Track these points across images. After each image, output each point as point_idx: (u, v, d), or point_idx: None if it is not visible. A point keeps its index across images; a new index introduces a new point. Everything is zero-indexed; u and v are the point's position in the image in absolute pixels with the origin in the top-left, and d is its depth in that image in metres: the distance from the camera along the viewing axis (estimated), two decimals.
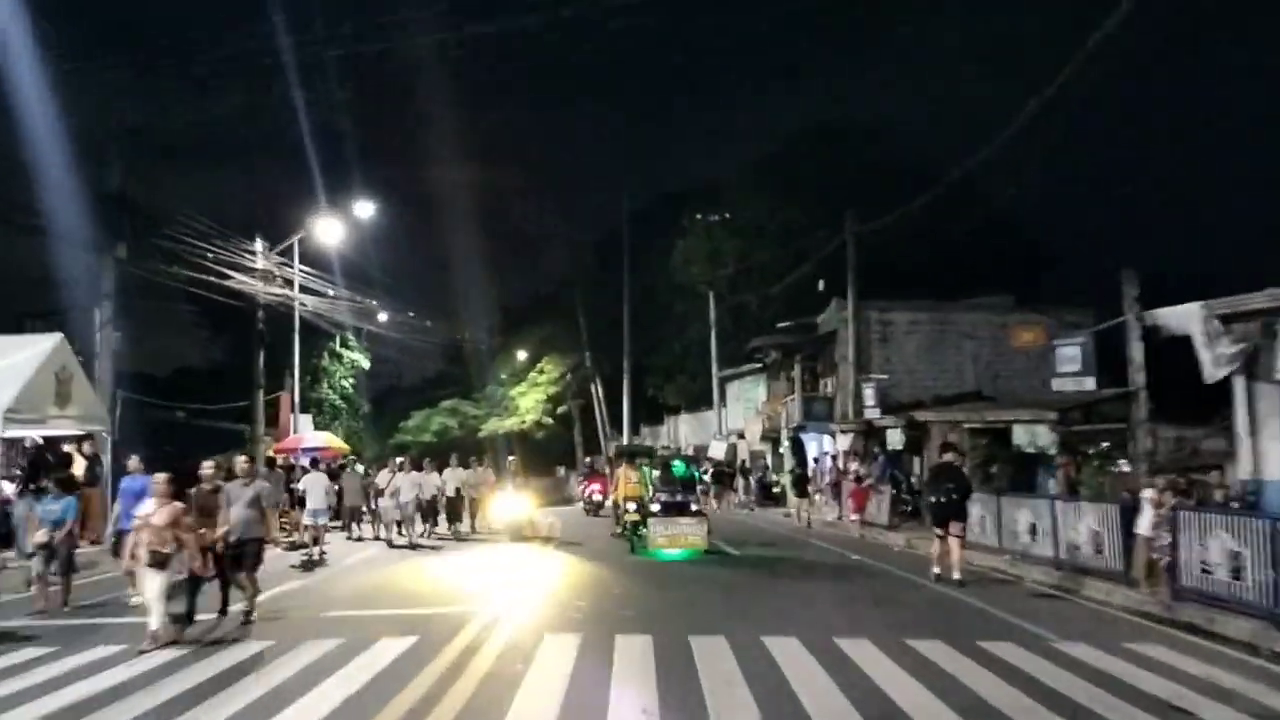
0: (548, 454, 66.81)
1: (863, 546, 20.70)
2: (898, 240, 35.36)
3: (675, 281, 47.92)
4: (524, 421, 61.28)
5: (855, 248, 30.10)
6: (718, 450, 41.65)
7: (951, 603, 12.80)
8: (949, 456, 16.22)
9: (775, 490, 37.02)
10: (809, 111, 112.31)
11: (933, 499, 15.59)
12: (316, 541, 19.00)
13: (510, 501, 24.14)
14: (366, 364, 60.13)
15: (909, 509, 24.13)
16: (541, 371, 60.82)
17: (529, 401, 61.12)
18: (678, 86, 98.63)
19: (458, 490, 24.46)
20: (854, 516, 25.71)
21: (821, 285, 31.79)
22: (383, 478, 22.50)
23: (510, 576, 15.89)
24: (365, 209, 37.22)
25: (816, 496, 29.59)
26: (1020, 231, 41.72)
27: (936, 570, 14.93)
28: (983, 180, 31.10)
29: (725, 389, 43.99)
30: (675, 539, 18.05)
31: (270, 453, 30.01)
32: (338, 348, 57.80)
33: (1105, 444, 17.68)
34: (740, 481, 37.29)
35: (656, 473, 21.18)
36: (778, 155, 46.63)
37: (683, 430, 53.60)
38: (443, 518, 23.86)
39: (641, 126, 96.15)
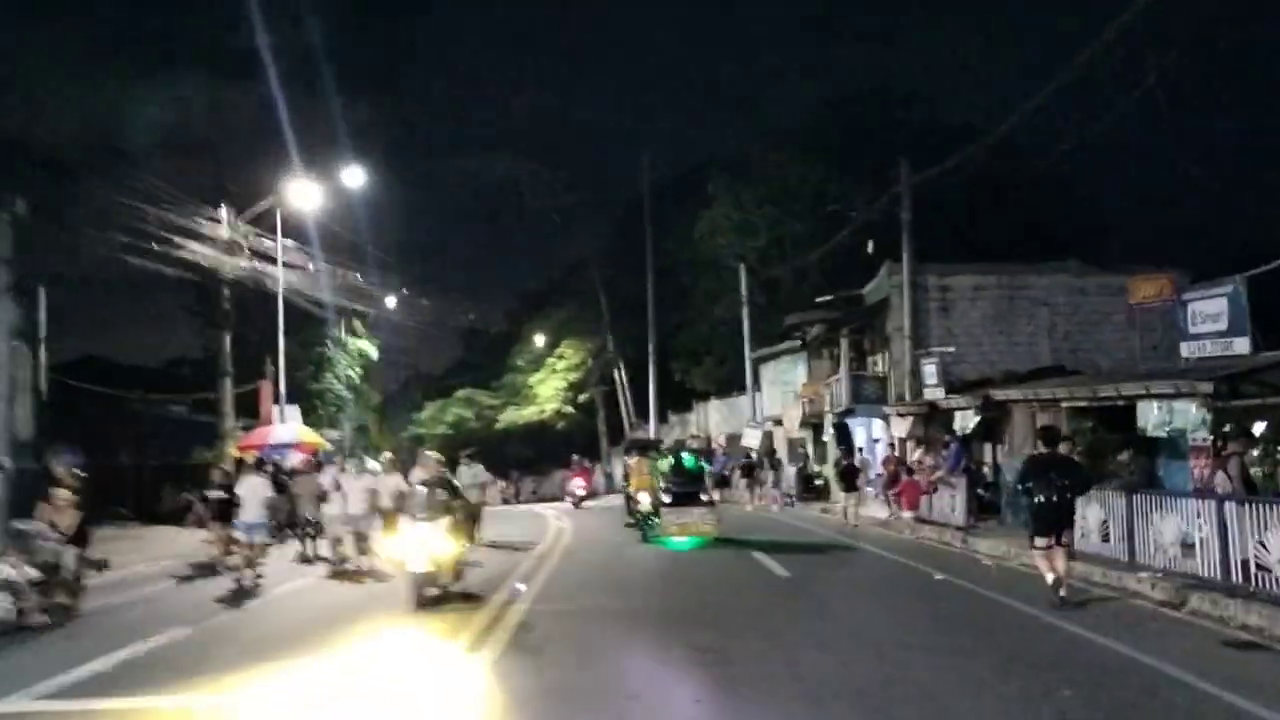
0: (570, 446, 62.99)
1: (931, 554, 16.64)
2: (952, 199, 31.32)
3: (701, 256, 43.80)
4: (543, 411, 57.39)
5: (910, 201, 25.90)
6: (752, 438, 37.59)
7: (1114, 661, 8.64)
8: (1062, 447, 12.34)
9: (817, 483, 33.00)
10: (841, 79, 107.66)
11: (1040, 499, 11.57)
12: (251, 565, 15.06)
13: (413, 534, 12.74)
14: (375, 353, 56.49)
15: (987, 509, 20.02)
16: (561, 357, 56.85)
17: (548, 390, 57.26)
18: (702, 54, 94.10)
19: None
20: (906, 513, 21.77)
21: (871, 247, 27.58)
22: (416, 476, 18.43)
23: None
24: (354, 176, 33.38)
25: (866, 490, 25.62)
26: (1078, 194, 37.54)
27: (1063, 593, 11.25)
28: (1036, 143, 27.04)
29: (759, 371, 39.88)
30: (686, 528, 18.92)
31: (236, 451, 26.14)
32: (342, 335, 54.24)
33: (1263, 423, 13.44)
34: (770, 474, 33.22)
35: (667, 464, 21.15)
36: (811, 120, 42.48)
37: (713, 418, 49.52)
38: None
39: (664, 94, 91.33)
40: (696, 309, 47.99)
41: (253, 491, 15.50)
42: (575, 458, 43.60)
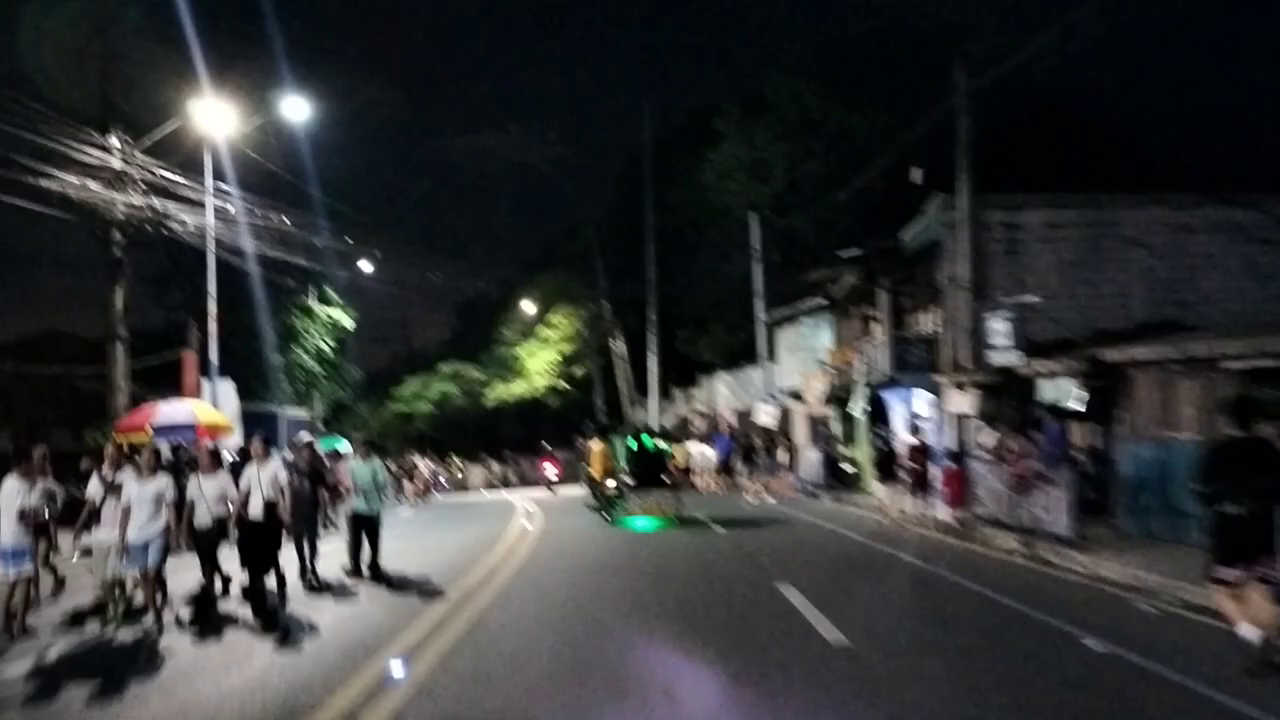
0: (564, 424, 57.71)
1: (1034, 585, 11.30)
2: (1009, 121, 25.85)
3: (709, 208, 38.25)
4: (534, 387, 51.98)
5: (969, 117, 20.37)
6: (766, 416, 32.20)
7: None
8: (1264, 429, 7.54)
9: (846, 469, 27.64)
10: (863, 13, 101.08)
11: (1230, 508, 7.26)
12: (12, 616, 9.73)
13: None
14: (350, 322, 51.13)
15: (1090, 510, 14.67)
16: (553, 326, 51.37)
17: (538, 363, 51.79)
18: None
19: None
20: (953, 512, 16.62)
21: (918, 176, 22.01)
22: None
23: None
24: (296, 108, 27.92)
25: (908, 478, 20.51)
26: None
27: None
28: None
29: (774, 337, 34.38)
30: (649, 509, 19.86)
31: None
32: (311, 302, 48.89)
33: None
34: (784, 456, 28.00)
35: (628, 446, 21.08)
36: (833, 52, 36.77)
37: (721, 392, 44.11)
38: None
39: (666, 35, 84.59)
40: (703, 270, 42.53)
41: (7, 497, 10.10)
42: (544, 445, 42.87)
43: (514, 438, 60.46)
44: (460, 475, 46.59)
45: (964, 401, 20.23)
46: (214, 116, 23.09)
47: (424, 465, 34.52)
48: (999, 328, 19.15)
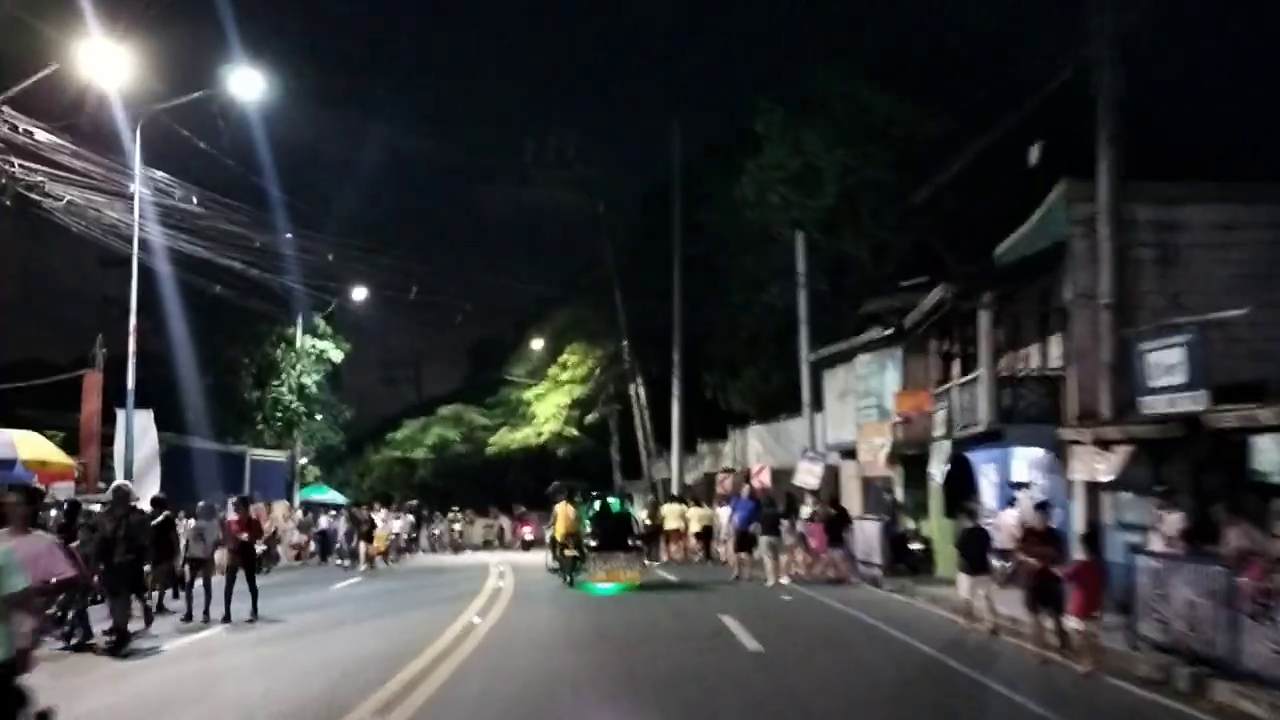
0: (576, 475, 51.81)
1: None
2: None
3: (744, 226, 32.53)
4: (540, 433, 46.13)
5: (1110, 68, 14.65)
6: (809, 476, 26.22)
7: None
8: None
9: (916, 549, 21.63)
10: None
11: None
12: None
13: None
14: (337, 355, 45.68)
15: None
16: (563, 365, 45.60)
17: (547, 407, 45.97)
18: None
19: None
20: (1074, 624, 10.66)
21: (1036, 154, 16.19)
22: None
23: None
24: (248, 85, 22.94)
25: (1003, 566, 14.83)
26: None
27: None
28: None
29: (821, 381, 28.42)
30: (613, 574, 19.15)
31: None
32: (293, 332, 43.50)
33: None
34: (801, 525, 22.20)
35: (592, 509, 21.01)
36: (892, 53, 31.22)
37: (752, 446, 38.19)
38: None
39: (696, 48, 78.26)
40: (735, 304, 36.79)
41: None
42: (520, 508, 42.55)
43: (522, 489, 54.67)
44: (457, 531, 40.49)
45: (1102, 464, 14.27)
46: (104, 60, 17.68)
47: (385, 520, 28.47)
48: (1163, 360, 13.22)
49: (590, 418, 46.00)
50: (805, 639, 13.10)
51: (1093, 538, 12.91)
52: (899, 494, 23.15)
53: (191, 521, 27.29)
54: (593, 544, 19.83)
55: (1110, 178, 14.78)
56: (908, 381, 22.11)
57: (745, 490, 23.66)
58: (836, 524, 21.71)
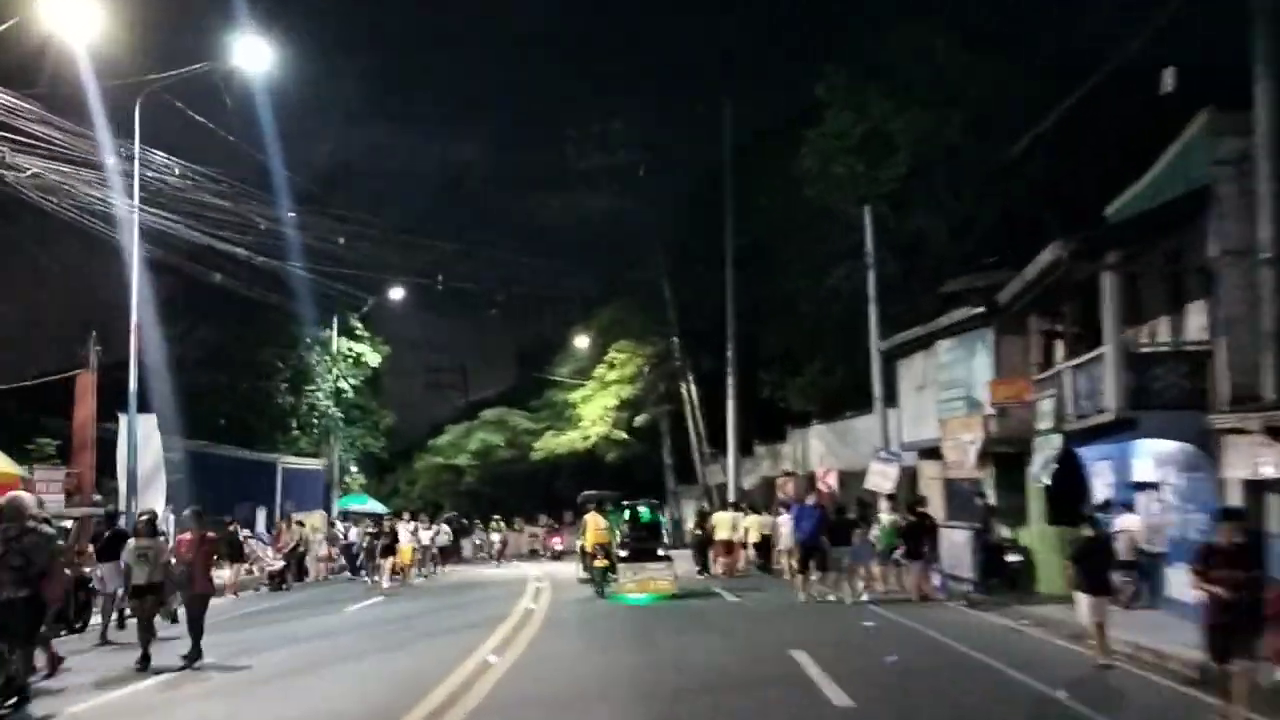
0: (625, 481, 49.13)
1: None
2: None
3: (803, 206, 29.74)
4: (587, 437, 43.48)
5: None
6: (882, 478, 23.37)
7: None
8: None
9: (1010, 560, 18.70)
10: None
11: None
12: None
13: None
14: (374, 358, 43.50)
15: None
16: (611, 365, 42.92)
17: (594, 409, 43.32)
18: None
19: None
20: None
21: (1168, 81, 13.18)
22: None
23: None
24: (254, 56, 20.73)
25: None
26: None
27: None
28: None
29: (894, 372, 25.47)
30: (644, 584, 18.64)
31: None
32: (327, 335, 41.33)
33: None
34: (877, 533, 19.35)
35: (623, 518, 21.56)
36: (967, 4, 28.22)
37: (814, 448, 35.32)
38: None
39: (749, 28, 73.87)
40: (794, 294, 33.97)
41: None
42: (542, 518, 42.02)
43: (571, 496, 52.11)
44: (497, 541, 37.79)
45: (1271, 458, 11.32)
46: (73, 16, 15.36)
47: (410, 533, 25.66)
48: None
49: (640, 419, 43.30)
50: (904, 686, 10.29)
51: (1254, 551, 10.00)
52: (988, 494, 20.16)
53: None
54: (623, 554, 19.65)
55: (1271, 103, 11.83)
56: (1002, 367, 19.08)
57: (811, 496, 20.55)
58: (918, 533, 18.82)
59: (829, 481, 27.45)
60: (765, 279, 35.79)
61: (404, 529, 24.34)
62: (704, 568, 26.04)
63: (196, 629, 11.63)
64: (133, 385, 20.61)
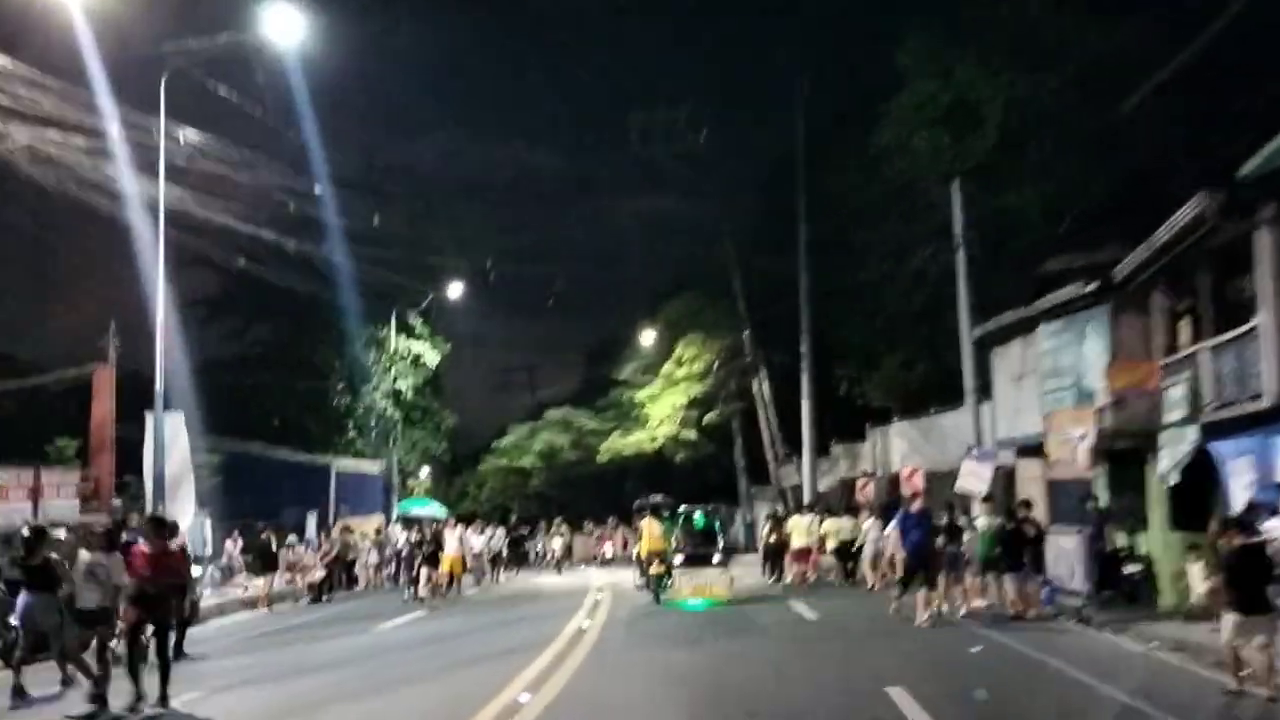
0: (694, 485, 47.13)
1: None
2: None
3: (881, 186, 27.57)
4: (654, 438, 41.58)
5: None
6: (975, 479, 21.08)
7: None
8: None
9: (1128, 571, 16.42)
10: None
11: None
12: None
13: None
14: (434, 356, 42.06)
15: None
16: (680, 362, 40.95)
17: (661, 408, 41.39)
18: None
19: None
20: None
21: None
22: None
23: None
24: (285, 29, 19.23)
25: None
26: None
27: None
28: None
29: (988, 362, 23.12)
30: (700, 589, 18.68)
31: None
32: (384, 334, 39.97)
33: None
34: (969, 539, 16.99)
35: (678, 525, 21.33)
36: None
37: (896, 447, 33.06)
38: None
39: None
40: (872, 283, 31.73)
41: None
42: (587, 525, 40.65)
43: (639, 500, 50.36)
44: (560, 546, 35.76)
45: None
46: None
47: (459, 540, 23.31)
48: None
49: (710, 418, 41.26)
50: None
51: None
52: (1102, 499, 17.80)
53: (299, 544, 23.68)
54: (678, 560, 19.64)
55: None
56: (1118, 352, 16.73)
57: (916, 501, 17.96)
58: (1020, 540, 16.54)
59: (915, 483, 25.18)
60: (841, 268, 33.56)
61: (450, 535, 22.48)
62: (777, 576, 24.01)
63: (165, 660, 9.89)
64: (159, 382, 19.17)
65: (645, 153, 40.35)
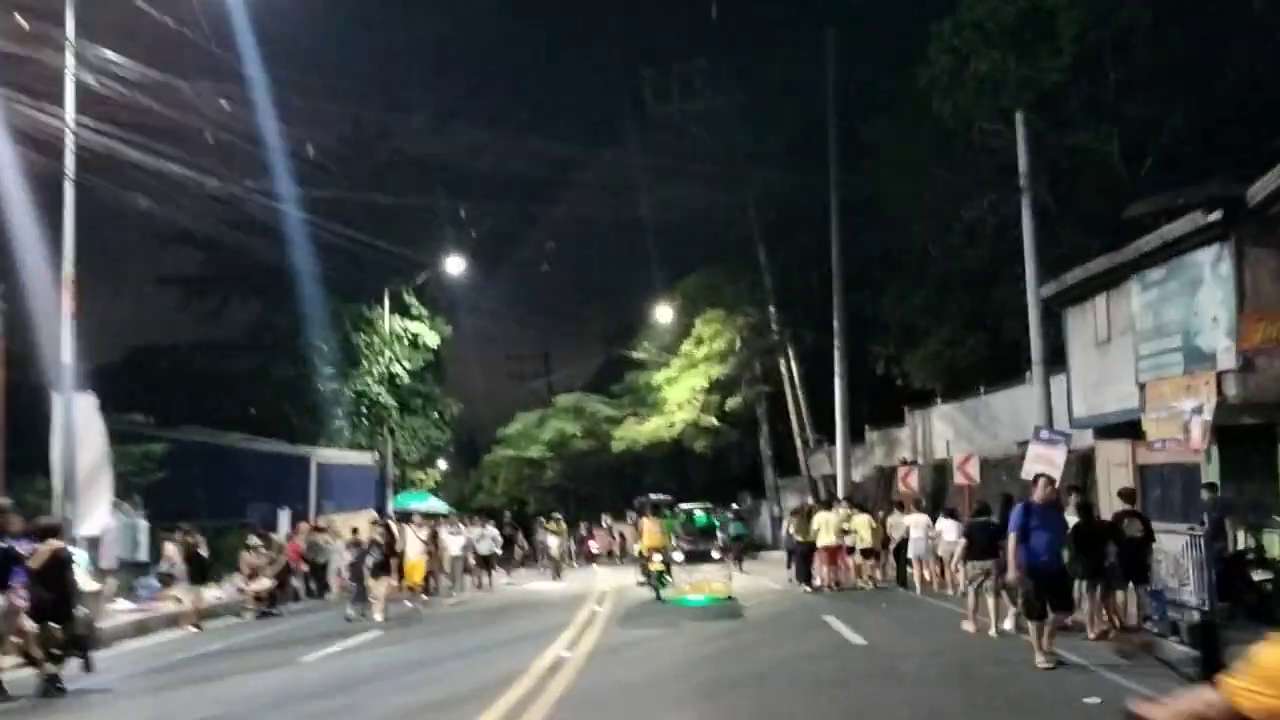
0: (714, 475, 43.77)
1: None
2: None
3: (927, 127, 24.03)
4: (672, 424, 38.14)
5: None
6: (1045, 464, 17.50)
7: None
8: None
9: (1258, 579, 12.84)
10: None
11: None
12: None
13: None
14: (433, 338, 38.78)
15: None
16: (699, 341, 37.46)
17: (679, 391, 37.93)
18: None
19: None
20: None
21: None
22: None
23: None
24: None
25: None
26: None
27: None
28: None
29: (1062, 327, 19.43)
30: (699, 585, 18.94)
31: None
32: (373, 314, 36.82)
33: None
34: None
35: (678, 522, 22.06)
36: None
37: (939, 431, 29.67)
38: None
39: None
40: (914, 246, 28.24)
41: None
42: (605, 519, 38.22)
43: (661, 491, 46.95)
44: (557, 546, 31.98)
45: None
46: None
47: (424, 540, 19.58)
48: None
49: (732, 403, 37.75)
50: None
51: None
52: (1215, 485, 14.19)
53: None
54: (678, 558, 19.99)
55: None
56: (1249, 301, 13.07)
57: (1039, 488, 12.73)
58: (1099, 540, 12.98)
59: (968, 471, 21.62)
60: (881, 231, 30.11)
61: (413, 535, 18.87)
62: (805, 579, 20.67)
63: None
64: (66, 354, 15.94)
65: (661, 115, 36.99)
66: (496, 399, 59.96)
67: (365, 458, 35.79)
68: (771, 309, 35.96)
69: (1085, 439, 18.67)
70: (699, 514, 22.90)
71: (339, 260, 35.49)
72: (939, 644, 12.32)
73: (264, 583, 18.20)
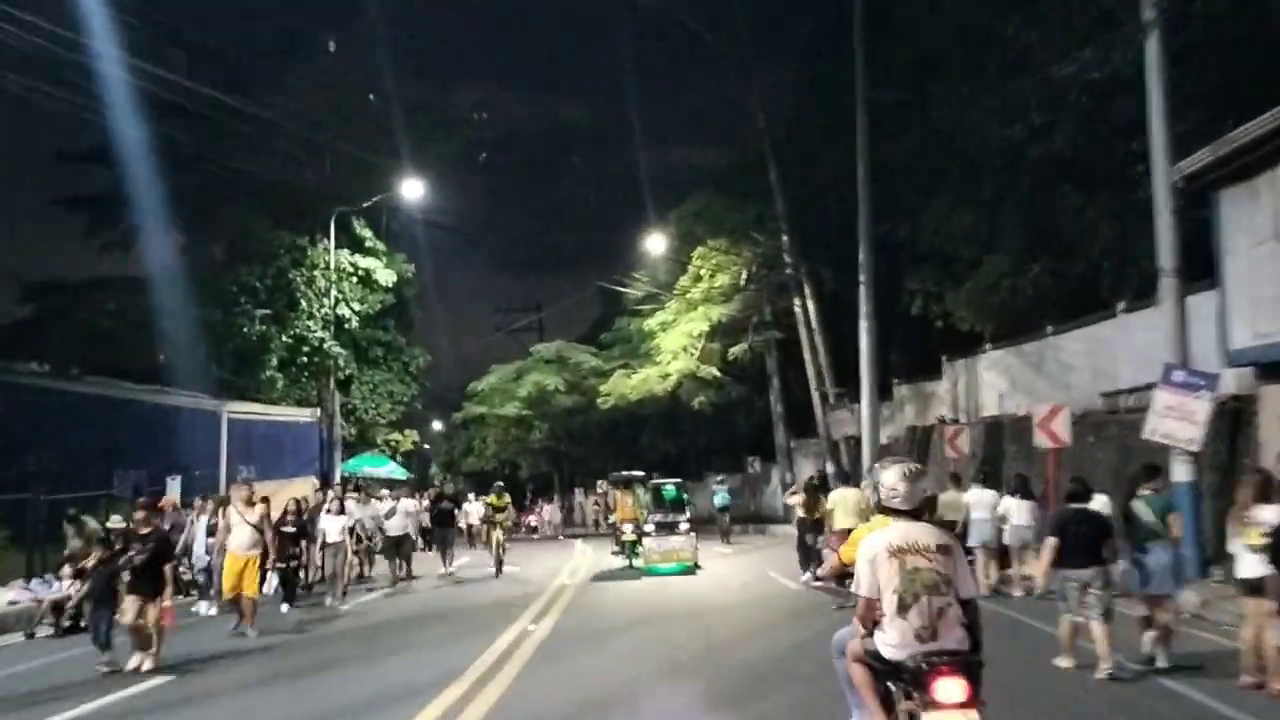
0: (716, 436, 38.39)
1: None
2: None
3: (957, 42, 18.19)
4: (666, 375, 32.37)
5: None
6: (1180, 421, 11.84)
7: None
8: None
9: None
10: None
11: None
12: None
13: None
14: (388, 277, 33.13)
15: None
16: (698, 277, 31.59)
17: (676, 339, 32.13)
18: None
19: None
20: None
21: None
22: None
23: None
24: None
25: None
26: None
27: None
28: None
29: (1216, 217, 13.55)
30: (668, 554, 19.99)
31: None
32: (320, 245, 31.32)
33: None
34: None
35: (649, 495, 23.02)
36: None
37: (986, 383, 24.15)
38: None
39: None
40: (964, 142, 22.30)
41: None
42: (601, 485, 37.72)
43: (660, 454, 41.68)
44: (480, 529, 26.17)
45: None
46: None
47: (254, 525, 12.45)
48: None
49: (737, 351, 31.88)
50: None
51: None
52: None
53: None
54: (649, 529, 20.63)
55: None
56: None
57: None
58: None
59: (1055, 430, 15.71)
60: (916, 137, 24.30)
61: (239, 519, 12.59)
62: (806, 566, 16.49)
63: None
64: None
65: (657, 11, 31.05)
66: (491, 353, 54.62)
67: (302, 413, 30.28)
68: (784, 238, 30.11)
69: (1243, 382, 12.95)
70: (668, 488, 23.01)
71: (278, 184, 30.25)
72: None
73: (64, 586, 12.64)
